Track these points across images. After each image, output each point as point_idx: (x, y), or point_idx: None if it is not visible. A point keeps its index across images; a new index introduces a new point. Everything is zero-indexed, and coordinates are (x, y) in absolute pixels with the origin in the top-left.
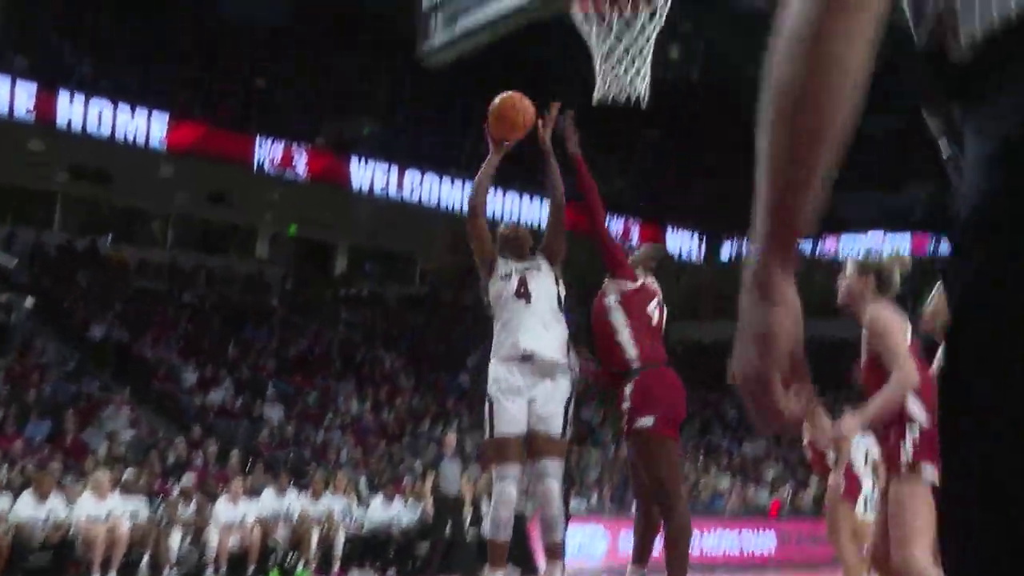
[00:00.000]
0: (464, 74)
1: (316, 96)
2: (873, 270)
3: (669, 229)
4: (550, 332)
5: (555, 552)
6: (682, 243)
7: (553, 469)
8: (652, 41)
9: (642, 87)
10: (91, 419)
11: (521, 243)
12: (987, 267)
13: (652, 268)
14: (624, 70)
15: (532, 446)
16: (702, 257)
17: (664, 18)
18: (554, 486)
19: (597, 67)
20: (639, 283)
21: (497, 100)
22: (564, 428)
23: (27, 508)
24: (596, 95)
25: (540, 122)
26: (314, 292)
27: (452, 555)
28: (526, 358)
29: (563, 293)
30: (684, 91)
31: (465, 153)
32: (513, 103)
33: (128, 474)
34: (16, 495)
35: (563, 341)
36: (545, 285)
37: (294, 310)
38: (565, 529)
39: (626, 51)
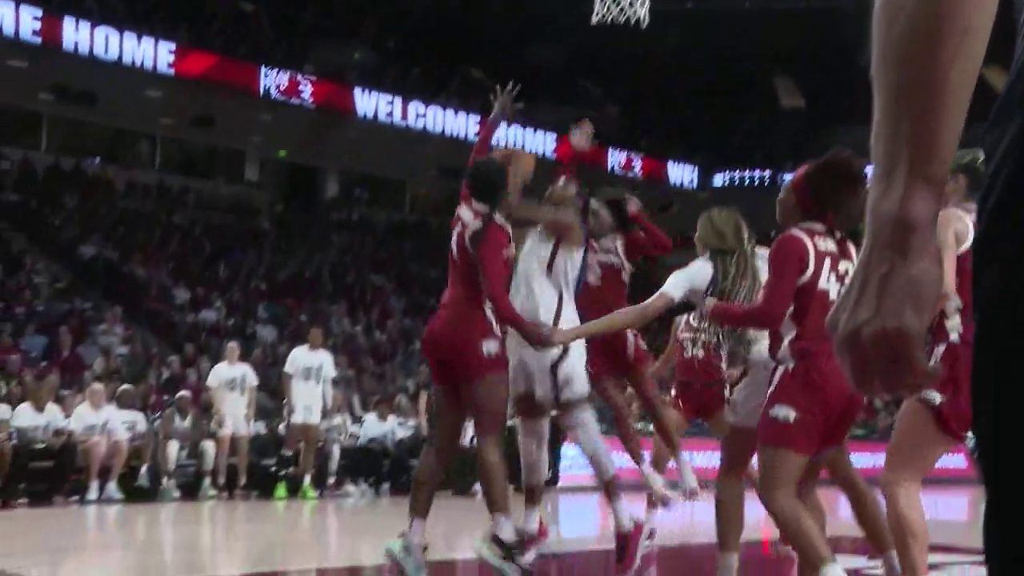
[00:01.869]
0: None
1: (301, 23)
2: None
3: (670, 161)
4: None
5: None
6: (682, 174)
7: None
8: None
9: (642, 10)
10: (84, 336)
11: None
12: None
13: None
14: None
15: None
16: (696, 185)
17: None
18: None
19: None
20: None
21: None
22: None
23: (26, 418)
24: (595, 16)
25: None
26: (304, 216)
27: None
28: None
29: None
30: (681, 22)
31: (455, 82)
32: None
33: (124, 388)
34: (15, 406)
35: None
36: None
37: (283, 234)
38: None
39: None
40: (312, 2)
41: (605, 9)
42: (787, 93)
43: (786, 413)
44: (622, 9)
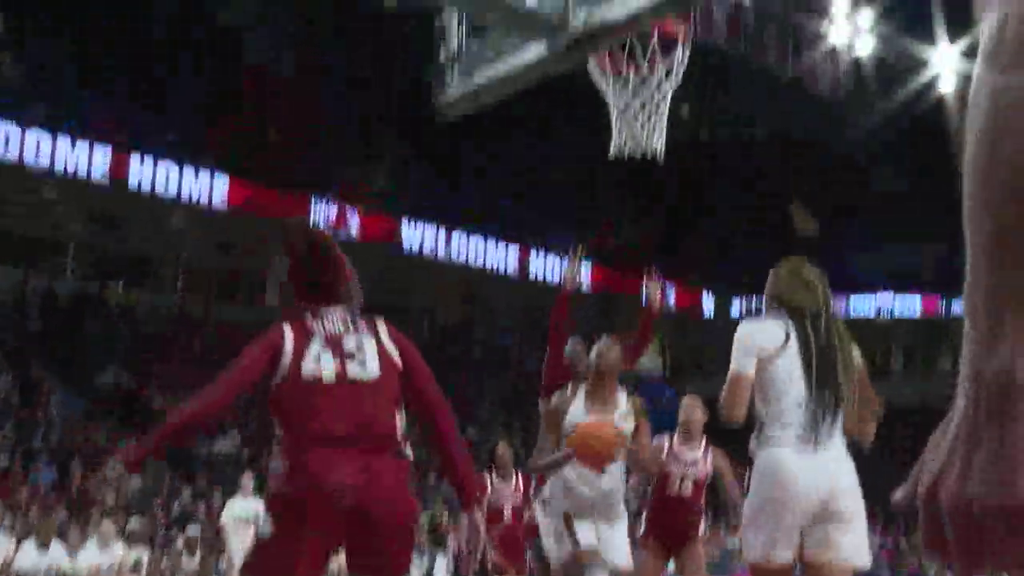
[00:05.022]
0: (470, 127)
1: (324, 148)
2: None
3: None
4: None
5: None
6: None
7: None
8: (668, 98)
9: (658, 144)
10: (97, 466)
11: None
12: None
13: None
14: (640, 126)
15: None
16: (712, 314)
17: (680, 77)
18: None
19: (613, 121)
20: None
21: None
22: None
23: (29, 557)
24: (612, 150)
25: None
26: None
27: None
28: None
29: None
30: (694, 150)
31: (475, 209)
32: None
33: (133, 523)
34: (19, 543)
35: None
36: None
37: None
38: None
39: (642, 107)
40: (336, 129)
41: (622, 141)
42: (802, 219)
43: None
44: (638, 144)
